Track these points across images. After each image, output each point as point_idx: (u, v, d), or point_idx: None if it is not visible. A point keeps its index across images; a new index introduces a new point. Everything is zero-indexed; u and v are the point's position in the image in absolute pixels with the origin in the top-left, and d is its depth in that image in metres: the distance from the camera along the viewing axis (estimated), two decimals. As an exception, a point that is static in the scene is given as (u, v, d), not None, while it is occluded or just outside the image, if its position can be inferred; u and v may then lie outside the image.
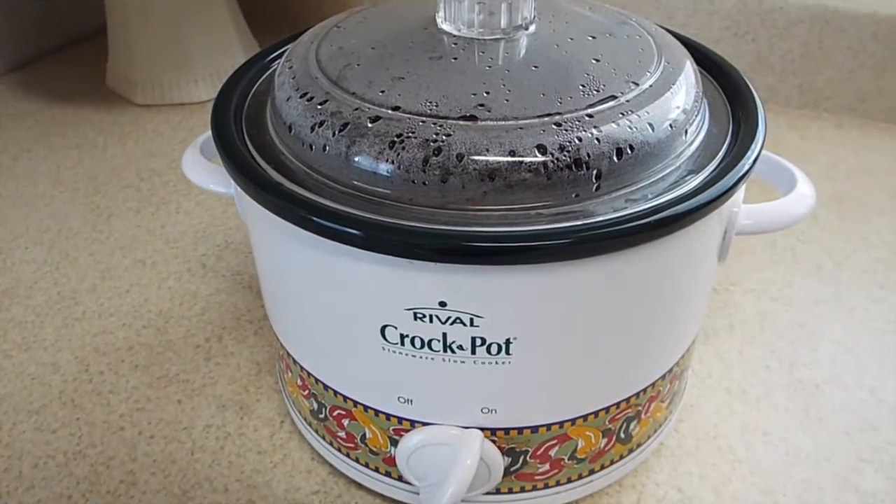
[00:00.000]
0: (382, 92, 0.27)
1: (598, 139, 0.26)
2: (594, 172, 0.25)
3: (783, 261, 0.50)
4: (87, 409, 0.40)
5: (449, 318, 0.26)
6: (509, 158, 0.25)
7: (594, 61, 0.29)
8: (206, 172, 0.34)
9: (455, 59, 0.29)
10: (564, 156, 0.25)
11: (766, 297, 0.47)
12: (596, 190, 0.26)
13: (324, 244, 0.25)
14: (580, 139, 0.25)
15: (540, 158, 0.25)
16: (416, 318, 0.26)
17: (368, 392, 0.30)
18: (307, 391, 0.33)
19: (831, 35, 0.63)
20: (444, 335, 0.26)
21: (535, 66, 0.28)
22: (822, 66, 0.65)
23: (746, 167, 0.27)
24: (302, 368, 0.32)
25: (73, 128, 0.66)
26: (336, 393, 0.31)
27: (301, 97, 0.28)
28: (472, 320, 0.26)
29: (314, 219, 0.25)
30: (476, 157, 0.25)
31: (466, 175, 0.25)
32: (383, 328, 0.27)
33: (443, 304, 0.25)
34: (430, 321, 0.26)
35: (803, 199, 0.32)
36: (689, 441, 0.38)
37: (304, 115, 0.28)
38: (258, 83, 0.34)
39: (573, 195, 0.25)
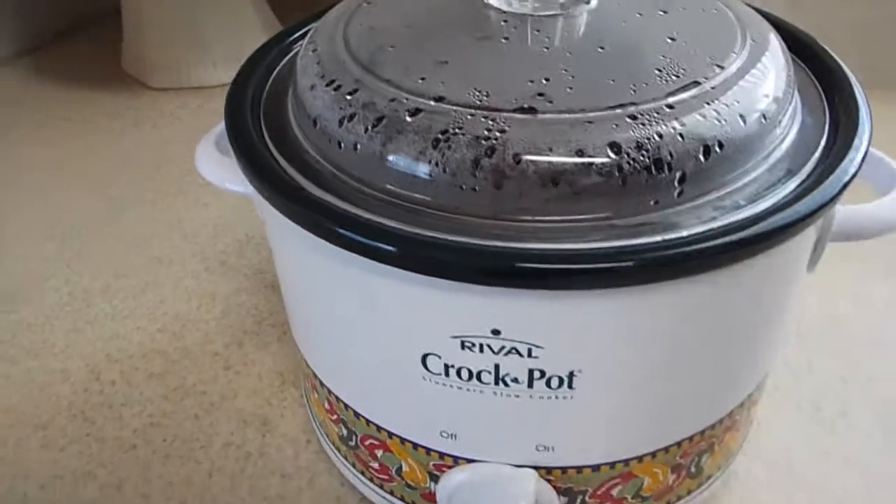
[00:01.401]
0: (423, 79, 0.23)
1: (681, 135, 0.21)
2: (677, 175, 0.21)
3: (852, 257, 0.45)
4: (98, 423, 0.37)
5: (503, 348, 0.22)
6: (577, 159, 0.21)
7: (669, 40, 0.24)
8: (223, 169, 0.31)
9: (506, 39, 0.25)
10: (642, 155, 0.21)
11: (836, 299, 0.42)
12: (678, 196, 0.21)
13: (353, 260, 0.22)
14: (660, 135, 0.21)
15: (614, 159, 0.21)
16: (463, 347, 0.22)
17: (406, 424, 0.26)
18: (336, 416, 0.29)
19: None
20: (497, 367, 0.22)
21: (601, 48, 0.24)
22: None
23: (853, 169, 0.23)
24: (330, 392, 0.29)
25: (87, 114, 0.63)
26: (368, 422, 0.27)
27: (327, 85, 0.24)
28: (530, 351, 0.22)
29: (342, 230, 0.21)
30: (536, 158, 0.21)
31: (525, 179, 0.21)
32: (424, 357, 0.23)
33: (496, 332, 0.22)
34: (481, 351, 0.22)
35: (907, 201, 0.27)
36: (758, 468, 0.34)
37: (331, 107, 0.24)
38: (279, 67, 0.30)
39: (651, 202, 0.21)
